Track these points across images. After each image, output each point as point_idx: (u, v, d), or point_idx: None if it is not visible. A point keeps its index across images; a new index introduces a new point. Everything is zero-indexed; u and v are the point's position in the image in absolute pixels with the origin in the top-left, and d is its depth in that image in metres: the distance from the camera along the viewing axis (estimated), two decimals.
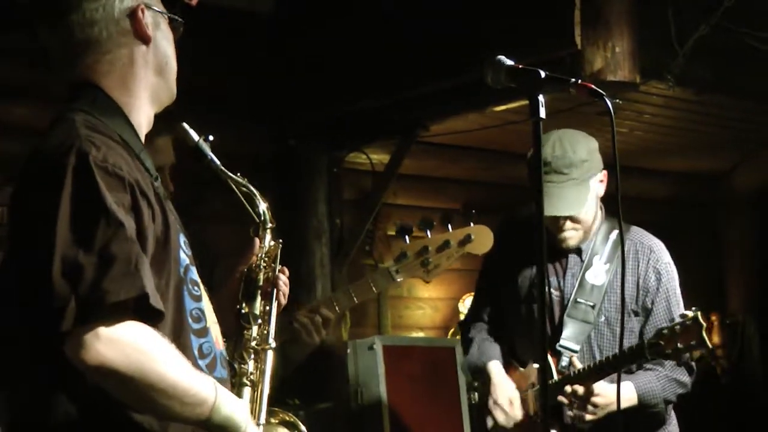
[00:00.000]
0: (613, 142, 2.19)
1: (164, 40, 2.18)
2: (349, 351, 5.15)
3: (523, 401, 3.53)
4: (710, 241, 7.84)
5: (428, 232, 3.32)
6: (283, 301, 2.51)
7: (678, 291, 3.49)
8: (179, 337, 2.03)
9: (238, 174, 2.49)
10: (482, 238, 3.33)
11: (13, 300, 1.97)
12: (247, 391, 2.31)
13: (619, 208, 2.70)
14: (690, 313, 3.19)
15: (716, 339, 7.58)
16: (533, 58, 3.22)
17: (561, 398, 3.34)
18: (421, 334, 6.82)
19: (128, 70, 2.12)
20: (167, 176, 3.38)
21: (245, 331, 2.40)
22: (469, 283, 6.46)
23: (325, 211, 5.76)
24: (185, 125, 2.44)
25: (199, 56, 3.40)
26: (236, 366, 2.33)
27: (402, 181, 6.14)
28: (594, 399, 3.29)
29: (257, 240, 2.51)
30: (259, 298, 2.45)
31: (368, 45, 5.19)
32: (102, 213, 1.89)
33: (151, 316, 1.93)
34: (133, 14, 2.11)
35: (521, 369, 3.58)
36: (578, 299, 3.47)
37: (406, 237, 3.33)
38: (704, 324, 3.18)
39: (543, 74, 2.14)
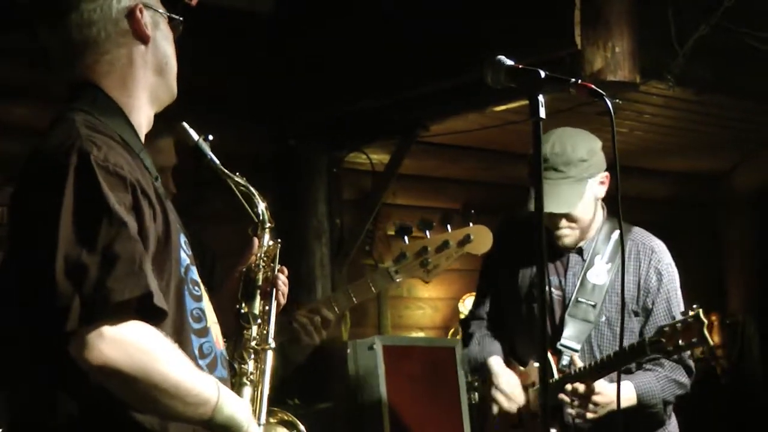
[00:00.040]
0: (613, 142, 2.20)
1: (164, 40, 2.18)
2: (349, 351, 5.14)
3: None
4: (710, 241, 7.84)
5: (427, 233, 3.32)
6: (283, 301, 2.51)
7: (679, 292, 3.49)
8: (180, 337, 2.03)
9: (238, 174, 2.49)
10: (481, 239, 3.32)
11: (13, 300, 1.97)
12: (247, 391, 2.31)
13: (619, 208, 2.70)
14: (691, 311, 3.19)
15: (716, 339, 7.58)
16: (533, 58, 3.22)
17: (562, 397, 3.34)
18: (421, 334, 6.82)
19: (127, 70, 2.12)
20: (169, 177, 3.38)
21: (245, 331, 2.40)
22: (469, 283, 6.46)
23: (325, 211, 5.76)
24: (185, 125, 2.44)
25: (199, 56, 3.40)
26: (236, 366, 2.33)
27: (402, 181, 6.14)
28: (595, 397, 3.29)
29: (256, 240, 2.51)
30: (258, 298, 2.45)
31: (368, 45, 5.19)
32: (104, 212, 1.89)
33: (154, 315, 1.93)
34: (131, 14, 2.11)
35: (521, 368, 3.58)
36: (579, 298, 3.46)
37: (406, 237, 3.33)
38: (705, 321, 3.18)
39: (543, 74, 2.14)
